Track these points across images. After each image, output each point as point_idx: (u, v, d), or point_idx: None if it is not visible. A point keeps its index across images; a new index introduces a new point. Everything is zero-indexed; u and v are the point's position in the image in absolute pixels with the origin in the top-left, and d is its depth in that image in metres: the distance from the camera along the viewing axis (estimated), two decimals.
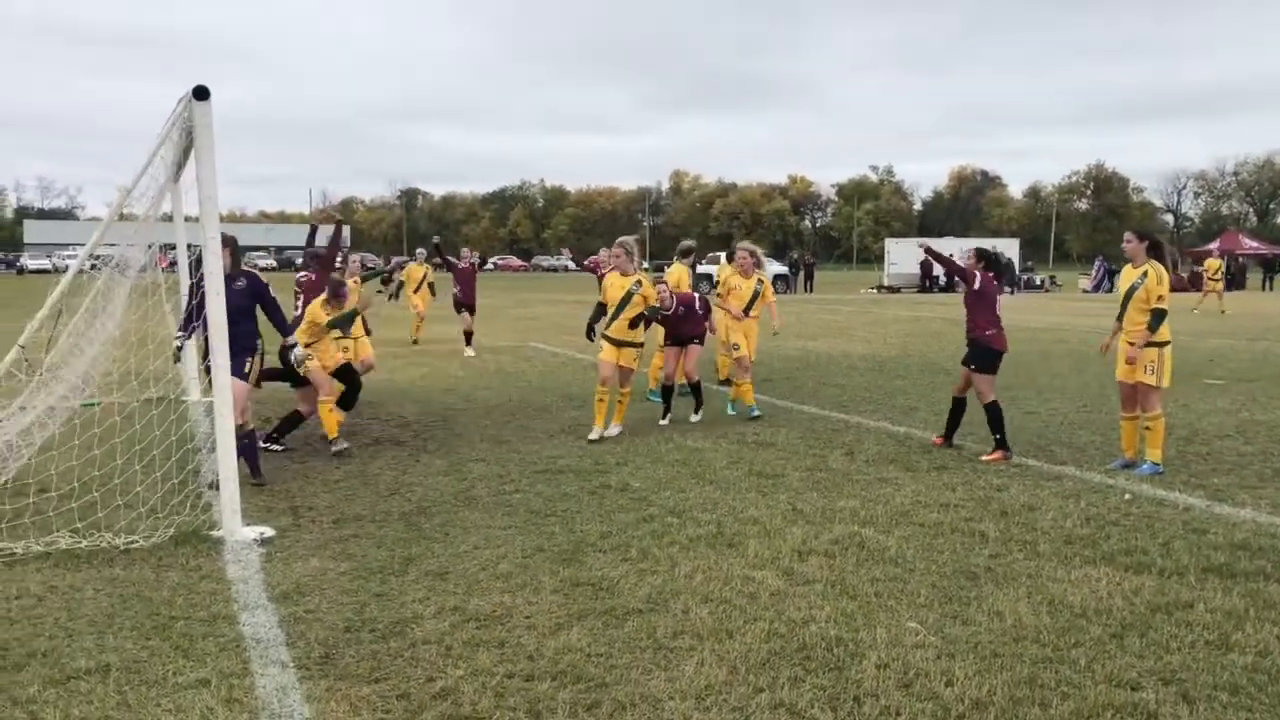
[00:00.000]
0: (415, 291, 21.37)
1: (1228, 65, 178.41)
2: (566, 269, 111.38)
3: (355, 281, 12.09)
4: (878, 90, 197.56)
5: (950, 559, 6.05)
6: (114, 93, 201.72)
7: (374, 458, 9.19)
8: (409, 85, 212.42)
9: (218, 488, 6.79)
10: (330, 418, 9.39)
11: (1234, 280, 53.94)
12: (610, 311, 10.06)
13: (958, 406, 9.63)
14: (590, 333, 10.51)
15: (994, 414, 9.14)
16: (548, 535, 6.61)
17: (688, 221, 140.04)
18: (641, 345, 10.25)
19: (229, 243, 8.01)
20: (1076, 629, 4.94)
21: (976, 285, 9.45)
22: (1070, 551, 6.20)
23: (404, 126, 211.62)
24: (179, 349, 8.54)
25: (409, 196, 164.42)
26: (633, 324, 10.06)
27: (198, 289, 7.47)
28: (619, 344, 10.04)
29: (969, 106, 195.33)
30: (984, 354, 9.41)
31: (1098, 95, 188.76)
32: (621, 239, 10.38)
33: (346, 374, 9.71)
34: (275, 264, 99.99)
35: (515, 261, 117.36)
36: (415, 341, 20.15)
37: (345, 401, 9.71)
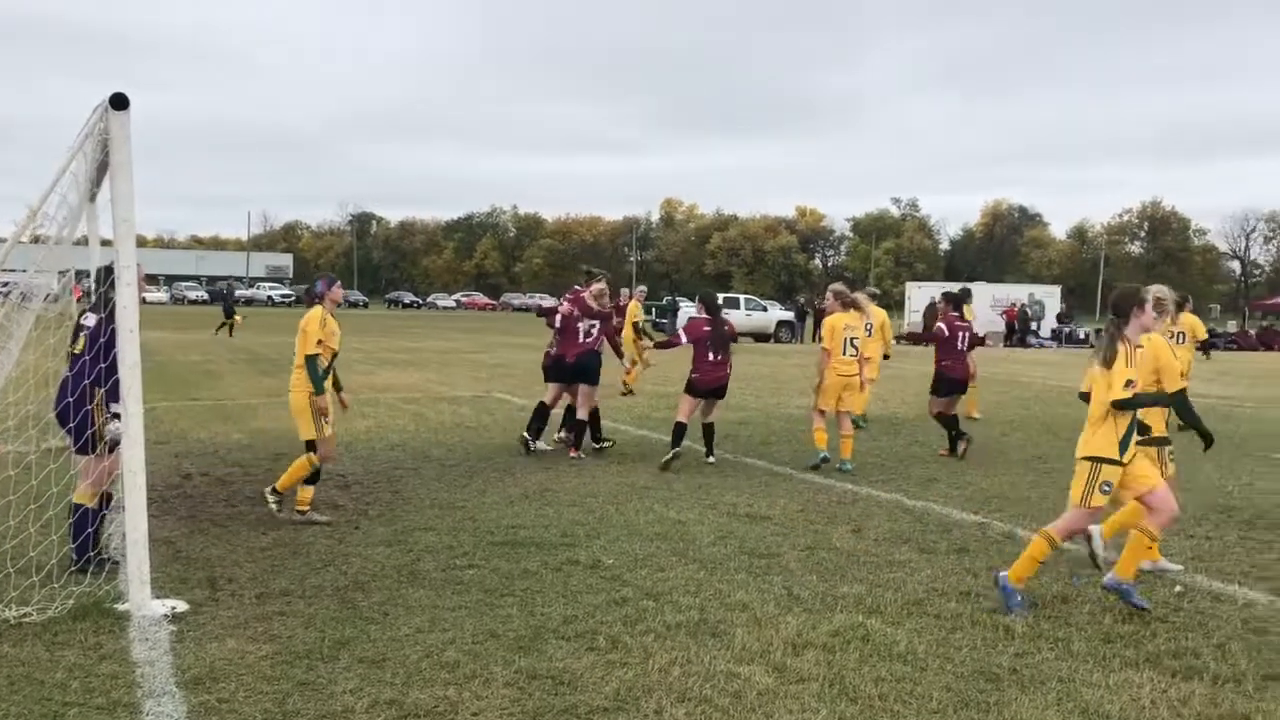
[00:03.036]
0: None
1: None
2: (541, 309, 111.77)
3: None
4: (905, 113, 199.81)
5: (969, 657, 6.05)
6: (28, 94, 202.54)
7: (307, 523, 9.16)
8: (365, 97, 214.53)
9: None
10: (297, 475, 9.33)
11: None
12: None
13: (945, 423, 13.66)
14: None
15: (952, 422, 13.61)
16: (503, 618, 6.59)
17: (680, 257, 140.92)
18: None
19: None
20: None
21: (947, 334, 13.77)
22: (1109, 651, 6.21)
23: (358, 143, 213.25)
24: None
25: (361, 222, 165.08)
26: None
27: (100, 327, 7.35)
28: None
29: (1008, 134, 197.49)
30: (945, 381, 13.74)
31: (1157, 125, 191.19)
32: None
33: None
34: (206, 296, 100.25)
35: (482, 299, 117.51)
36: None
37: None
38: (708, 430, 12.75)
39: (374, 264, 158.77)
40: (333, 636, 6.19)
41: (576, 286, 13.81)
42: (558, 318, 13.28)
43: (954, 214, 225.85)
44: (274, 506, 9.30)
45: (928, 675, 5.74)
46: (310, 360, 9.22)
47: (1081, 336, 55.95)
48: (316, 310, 9.38)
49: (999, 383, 25.45)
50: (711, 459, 12.56)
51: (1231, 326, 63.15)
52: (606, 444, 13.43)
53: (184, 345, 33.14)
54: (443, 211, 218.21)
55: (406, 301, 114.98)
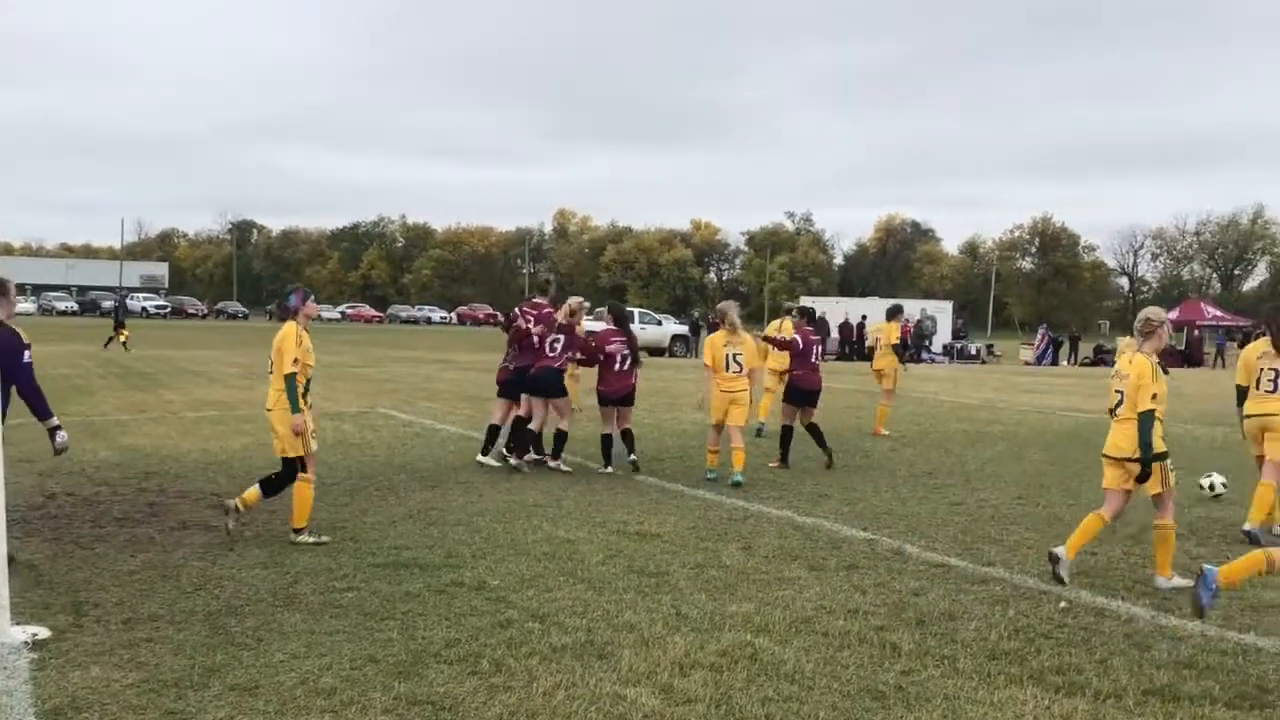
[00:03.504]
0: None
1: (1192, 115, 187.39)
2: (429, 320, 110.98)
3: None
4: (800, 127, 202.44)
5: (856, 675, 6.13)
6: None
7: (178, 545, 8.98)
8: (247, 101, 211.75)
9: None
10: (254, 495, 9.30)
11: (1190, 357, 56.23)
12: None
13: (784, 435, 14.36)
14: None
15: (789, 436, 14.35)
16: (383, 643, 6.51)
17: (574, 269, 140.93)
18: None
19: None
20: None
21: (801, 346, 14.51)
22: (994, 669, 6.33)
23: (238, 149, 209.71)
24: None
25: (241, 230, 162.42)
26: None
27: None
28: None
29: (902, 149, 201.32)
30: (797, 392, 14.46)
31: (1047, 142, 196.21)
32: None
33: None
34: (77, 307, 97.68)
35: (368, 311, 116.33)
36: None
37: (273, 485, 9.41)
38: (625, 435, 13.52)
39: (255, 274, 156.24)
40: (203, 663, 6.07)
41: (537, 300, 13.82)
42: (534, 339, 13.20)
43: (848, 229, 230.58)
44: (309, 539, 9.13)
45: (814, 694, 5.81)
46: (289, 380, 9.06)
47: (973, 352, 57.03)
48: (291, 327, 9.22)
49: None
50: (633, 457, 13.34)
51: (1120, 343, 64.85)
52: (540, 460, 13.60)
53: (52, 358, 32.21)
54: (327, 220, 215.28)
55: None
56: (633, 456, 13.35)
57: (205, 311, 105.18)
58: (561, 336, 13.21)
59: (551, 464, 13.40)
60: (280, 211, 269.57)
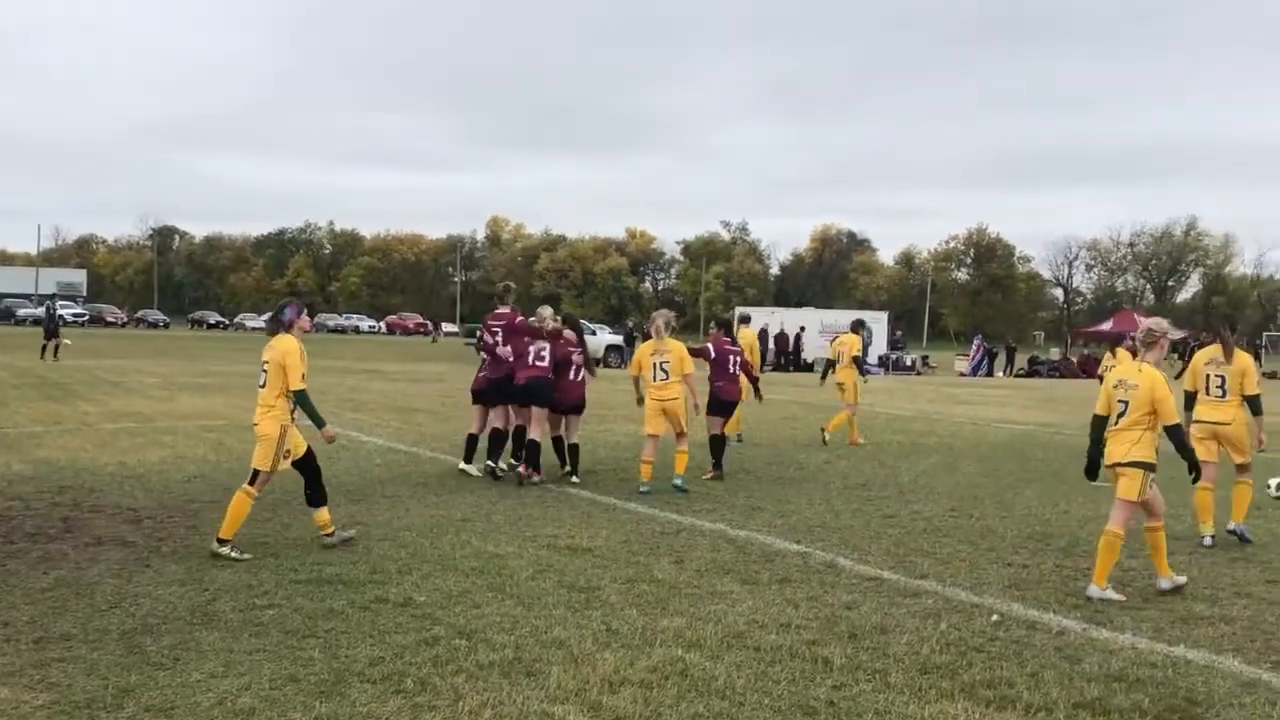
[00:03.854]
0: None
1: (1127, 127, 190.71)
2: (357, 330, 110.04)
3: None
4: (736, 135, 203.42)
5: (787, 691, 6.15)
6: None
7: (93, 561, 8.83)
8: (170, 104, 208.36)
9: None
10: (323, 515, 9.64)
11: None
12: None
13: (714, 444, 14.39)
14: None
15: (719, 445, 14.38)
16: (304, 661, 6.44)
17: (508, 278, 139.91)
18: None
19: None
20: None
21: (714, 355, 14.55)
22: (926, 683, 6.39)
23: (160, 153, 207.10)
24: None
25: (163, 237, 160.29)
26: None
27: None
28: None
29: (838, 159, 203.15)
30: (717, 403, 14.52)
31: (984, 152, 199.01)
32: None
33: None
34: None
35: None
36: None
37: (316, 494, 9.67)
38: (572, 450, 13.84)
39: (176, 282, 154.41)
40: (117, 684, 5.97)
41: (500, 310, 13.95)
42: (508, 350, 13.53)
43: (784, 239, 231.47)
44: (232, 554, 9.01)
45: (745, 710, 5.82)
46: (303, 394, 9.28)
47: (908, 364, 57.49)
48: (292, 341, 9.35)
49: (827, 410, 26.04)
50: (575, 478, 13.52)
51: (1055, 354, 65.72)
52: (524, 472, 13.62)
53: None
54: (252, 226, 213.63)
55: (212, 322, 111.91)
56: (573, 475, 13.61)
57: (125, 320, 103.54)
58: (547, 345, 13.52)
59: (523, 471, 13.49)
60: (203, 217, 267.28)
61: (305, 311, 9.70)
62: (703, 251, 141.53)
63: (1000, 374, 54.93)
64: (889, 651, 6.95)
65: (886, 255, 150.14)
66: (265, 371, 9.31)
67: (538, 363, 13.43)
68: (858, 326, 20.95)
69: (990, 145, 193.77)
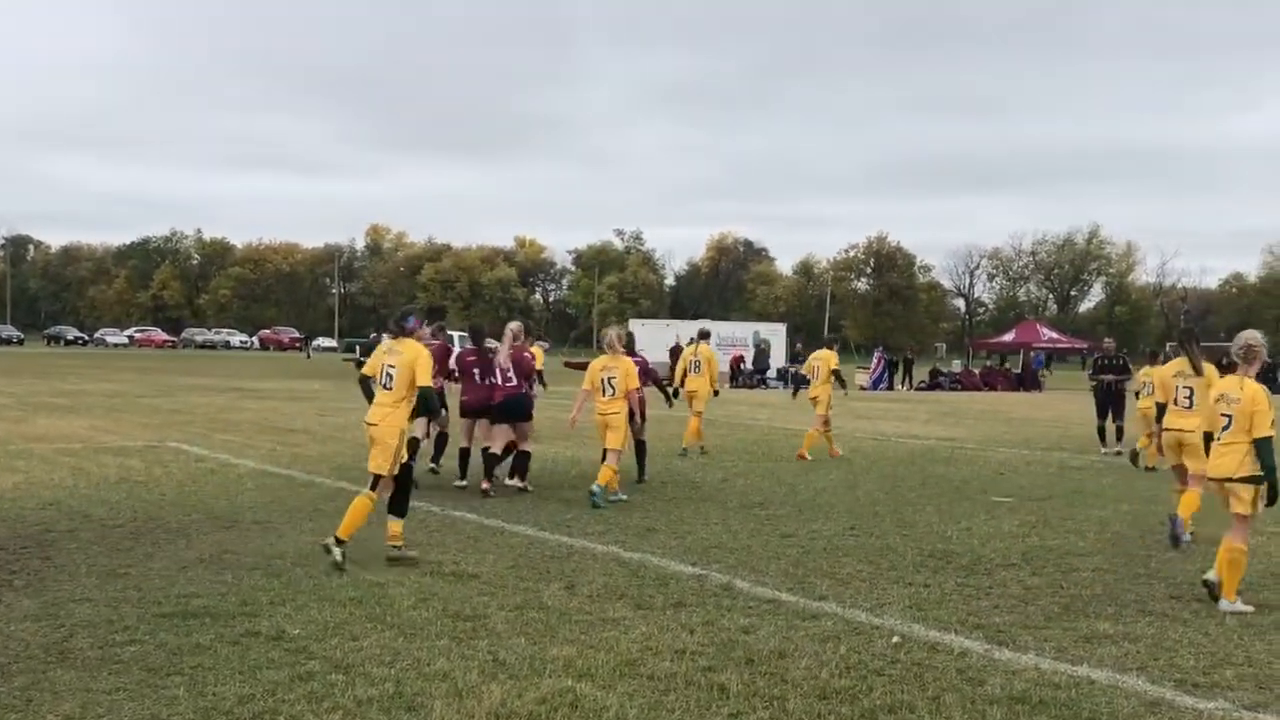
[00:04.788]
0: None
1: (1029, 134, 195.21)
2: (228, 345, 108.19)
3: None
4: (631, 142, 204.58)
5: None
6: None
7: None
8: (23, 99, 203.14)
9: None
10: (397, 525, 10.27)
11: (1026, 379, 58.34)
12: None
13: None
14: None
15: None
16: (167, 700, 6.30)
17: (389, 289, 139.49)
18: None
19: None
20: None
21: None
22: (825, 709, 6.43)
23: (13, 153, 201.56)
24: None
25: (16, 246, 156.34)
26: None
27: None
28: None
29: (733, 167, 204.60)
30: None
31: (881, 160, 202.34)
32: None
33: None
34: None
35: (159, 335, 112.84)
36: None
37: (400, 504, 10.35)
38: (490, 459, 14.53)
39: (31, 294, 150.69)
40: None
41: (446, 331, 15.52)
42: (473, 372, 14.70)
43: (680, 248, 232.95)
44: (338, 555, 9.72)
45: None
46: (428, 389, 10.22)
47: (805, 379, 57.61)
48: (421, 345, 10.40)
49: (723, 426, 26.22)
50: (492, 492, 14.14)
51: (956, 365, 66.68)
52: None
53: None
54: (114, 235, 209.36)
55: (70, 338, 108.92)
56: (490, 491, 14.20)
57: None
58: (512, 364, 14.60)
59: (509, 482, 14.52)
60: (60, 226, 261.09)
61: (425, 323, 11.10)
62: (595, 261, 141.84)
63: (900, 387, 55.38)
64: (787, 677, 6.99)
65: (785, 265, 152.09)
66: (391, 375, 10.11)
67: (508, 382, 14.53)
68: (832, 342, 22.78)
69: (892, 151, 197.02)
